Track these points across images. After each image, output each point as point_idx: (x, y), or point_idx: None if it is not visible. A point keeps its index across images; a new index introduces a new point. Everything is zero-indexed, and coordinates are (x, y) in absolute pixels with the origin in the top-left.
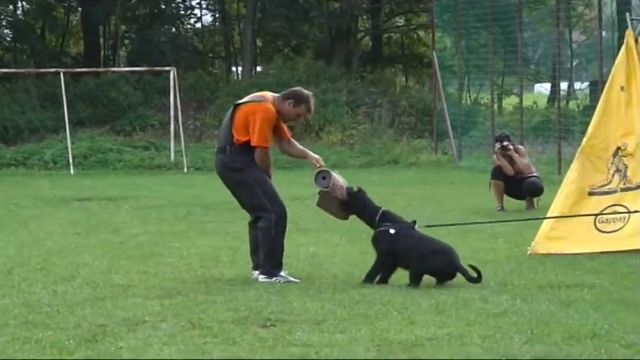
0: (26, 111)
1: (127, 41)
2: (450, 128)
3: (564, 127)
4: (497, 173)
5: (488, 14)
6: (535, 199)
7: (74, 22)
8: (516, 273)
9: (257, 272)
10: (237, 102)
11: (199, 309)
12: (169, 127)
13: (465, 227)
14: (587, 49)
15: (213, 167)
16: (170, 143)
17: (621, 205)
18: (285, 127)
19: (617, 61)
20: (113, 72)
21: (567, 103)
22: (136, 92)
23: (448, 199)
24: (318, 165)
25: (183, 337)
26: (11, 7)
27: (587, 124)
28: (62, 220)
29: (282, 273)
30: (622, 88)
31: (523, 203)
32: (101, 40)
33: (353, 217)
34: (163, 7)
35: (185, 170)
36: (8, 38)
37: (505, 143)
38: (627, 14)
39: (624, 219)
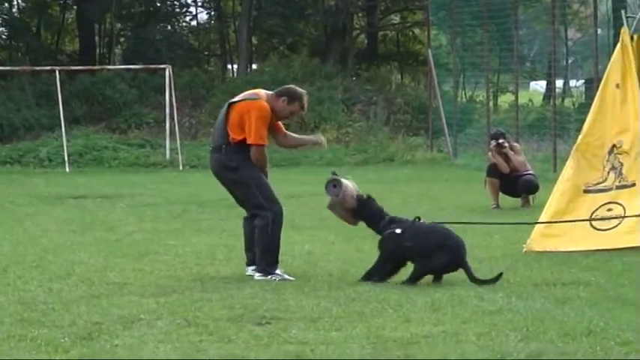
0: (21, 109)
1: (122, 39)
2: (445, 126)
3: (560, 124)
4: (493, 171)
5: (484, 12)
6: (530, 197)
7: (69, 19)
8: (512, 270)
9: (251, 268)
10: (231, 100)
11: (195, 307)
12: (165, 125)
13: (459, 225)
14: (582, 47)
15: (209, 165)
16: (165, 141)
17: (617, 203)
18: (278, 123)
19: (612, 59)
20: (108, 70)
21: (563, 100)
22: (132, 90)
23: (443, 197)
24: (320, 143)
25: (179, 335)
26: (6, 4)
27: (583, 121)
28: (57, 217)
29: (277, 271)
30: (617, 86)
31: (518, 201)
32: (96, 37)
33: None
34: (159, 4)
35: (180, 168)
36: (3, 36)
37: (500, 141)
38: (622, 12)
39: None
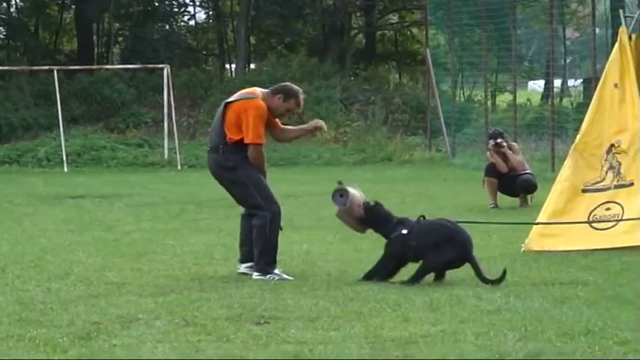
0: (20, 108)
1: (120, 39)
2: (443, 125)
3: (558, 124)
4: (491, 170)
5: (482, 11)
6: (529, 197)
7: (68, 19)
8: (510, 270)
9: (244, 266)
10: (227, 100)
11: (193, 306)
12: (163, 125)
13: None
14: (580, 46)
15: (207, 165)
16: (164, 141)
17: (615, 202)
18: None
19: (610, 58)
20: (107, 69)
21: (561, 100)
22: (130, 90)
23: (442, 197)
24: (319, 127)
25: (177, 335)
26: (4, 4)
27: (581, 121)
28: (56, 217)
29: (276, 270)
30: (615, 85)
31: (517, 200)
32: (95, 37)
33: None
34: (157, 4)
35: (179, 168)
36: (1, 36)
37: (499, 140)
38: (621, 11)
39: (617, 216)
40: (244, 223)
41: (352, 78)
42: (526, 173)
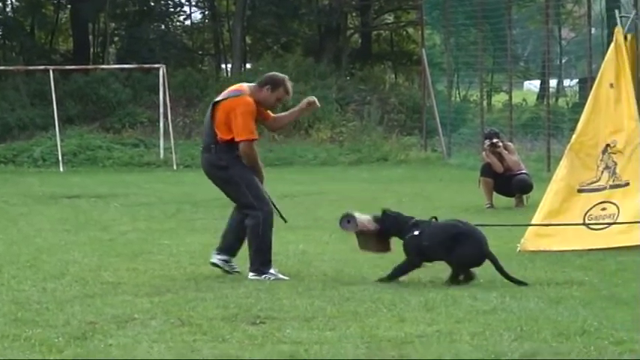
0: (15, 108)
1: (116, 38)
2: (439, 125)
3: (553, 124)
4: (487, 170)
5: (478, 11)
6: (524, 197)
7: (63, 19)
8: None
9: (218, 256)
10: (216, 100)
11: (189, 306)
12: (159, 125)
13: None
14: (576, 46)
15: (200, 164)
16: (159, 141)
17: (610, 202)
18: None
19: (606, 58)
20: (102, 69)
21: (556, 100)
22: (126, 89)
23: (437, 197)
24: (312, 104)
25: (173, 335)
26: (0, 4)
27: (577, 121)
28: (51, 217)
29: (271, 270)
30: (611, 85)
31: (512, 200)
32: (90, 37)
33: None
34: (153, 4)
35: (174, 167)
36: None
37: (494, 140)
38: (616, 11)
39: (613, 216)
40: (235, 215)
41: (348, 78)
42: (522, 173)
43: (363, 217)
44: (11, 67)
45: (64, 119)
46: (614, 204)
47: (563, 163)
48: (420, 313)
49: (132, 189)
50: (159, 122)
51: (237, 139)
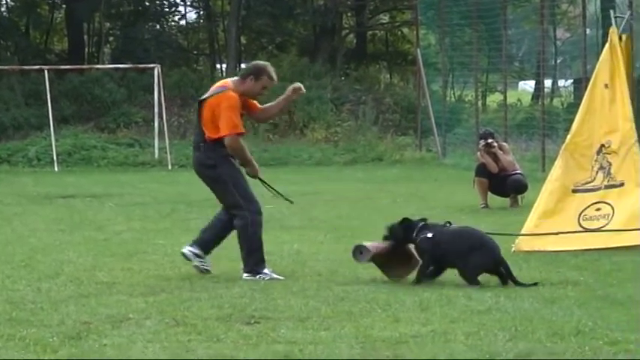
0: (10, 108)
1: (111, 38)
2: (434, 125)
3: (548, 124)
4: (482, 171)
5: (473, 11)
6: (519, 197)
7: (58, 19)
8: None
9: (189, 247)
10: (201, 98)
11: (183, 306)
12: (153, 125)
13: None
14: (571, 47)
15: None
16: (154, 140)
17: (605, 202)
18: (252, 102)
19: (601, 59)
20: (97, 69)
21: (551, 100)
22: (120, 89)
23: (432, 197)
24: (297, 90)
25: (168, 335)
26: None
27: (571, 121)
28: (46, 217)
29: (265, 270)
30: (606, 86)
31: (507, 200)
32: (85, 37)
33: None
34: (147, 4)
35: (169, 167)
36: None
37: (489, 140)
38: (611, 11)
39: (608, 216)
40: (221, 215)
41: (343, 78)
42: (516, 173)
43: (375, 244)
44: (6, 67)
45: (59, 119)
46: (609, 204)
47: (558, 164)
48: (415, 313)
49: (127, 189)
50: (154, 122)
51: (222, 134)
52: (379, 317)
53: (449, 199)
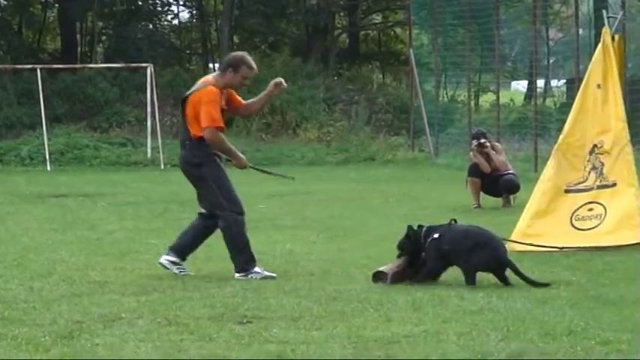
0: (3, 107)
1: (104, 37)
2: (426, 125)
3: (541, 124)
4: (474, 171)
5: (466, 11)
6: (511, 197)
7: (51, 18)
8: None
9: (166, 256)
10: (185, 95)
11: (176, 306)
12: (146, 124)
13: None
14: (563, 47)
15: None
16: (147, 140)
17: (597, 203)
18: (236, 98)
19: (593, 59)
20: (90, 68)
21: (544, 100)
22: (113, 89)
23: (425, 197)
24: (278, 85)
25: (160, 334)
26: None
27: (564, 121)
28: (39, 216)
29: (256, 269)
30: (599, 86)
31: (499, 200)
32: (78, 36)
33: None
34: (140, 3)
35: (162, 167)
36: None
37: (482, 140)
38: (604, 12)
39: (600, 216)
40: (199, 220)
41: (336, 78)
42: (509, 173)
43: (390, 265)
44: None
45: (52, 118)
46: (602, 204)
47: (551, 164)
48: (407, 313)
49: (119, 188)
50: (146, 121)
51: (202, 127)
52: (371, 317)
53: (441, 199)
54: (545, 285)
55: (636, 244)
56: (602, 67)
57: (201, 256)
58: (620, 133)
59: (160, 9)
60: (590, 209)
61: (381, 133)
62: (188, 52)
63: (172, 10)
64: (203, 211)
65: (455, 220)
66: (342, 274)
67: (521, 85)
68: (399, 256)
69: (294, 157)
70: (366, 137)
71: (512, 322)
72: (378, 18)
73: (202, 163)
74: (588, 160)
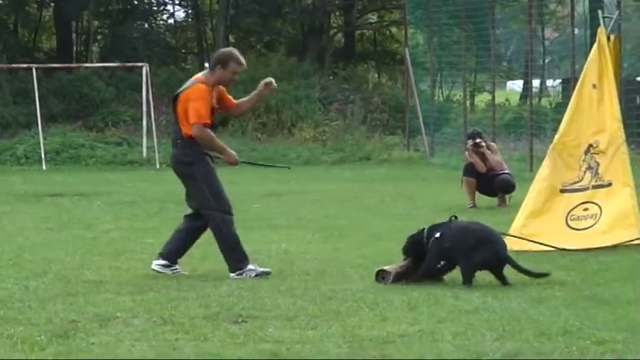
0: None
1: (99, 37)
2: (422, 125)
3: (536, 124)
4: (470, 170)
5: (461, 11)
6: (507, 196)
7: (47, 17)
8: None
9: (156, 262)
10: (175, 93)
11: (171, 305)
12: (142, 123)
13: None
14: (559, 47)
15: None
16: (142, 139)
17: (593, 202)
18: (228, 97)
19: (589, 59)
20: (86, 67)
21: (539, 100)
22: (109, 88)
23: (420, 196)
24: (268, 85)
25: (155, 333)
26: None
27: (559, 121)
28: (34, 215)
29: (250, 266)
30: (594, 86)
31: (495, 200)
32: (74, 35)
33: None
34: (136, 2)
35: (157, 166)
36: None
37: (477, 140)
38: (599, 12)
39: (595, 216)
40: (186, 222)
41: (331, 77)
42: (504, 173)
43: (394, 266)
44: None
45: (47, 117)
46: (597, 204)
47: (546, 163)
48: (402, 312)
49: (115, 187)
50: (142, 121)
51: (190, 123)
52: (367, 316)
53: (437, 199)
54: (545, 275)
55: (632, 242)
56: (597, 67)
57: (197, 255)
58: (616, 132)
59: (155, 8)
60: (586, 209)
61: (377, 132)
62: (184, 51)
63: (168, 10)
64: (189, 212)
65: (455, 217)
66: (337, 274)
67: (516, 85)
68: (405, 258)
69: (290, 156)
70: (362, 137)
71: (508, 322)
72: (373, 17)
73: (193, 162)
74: (584, 160)
